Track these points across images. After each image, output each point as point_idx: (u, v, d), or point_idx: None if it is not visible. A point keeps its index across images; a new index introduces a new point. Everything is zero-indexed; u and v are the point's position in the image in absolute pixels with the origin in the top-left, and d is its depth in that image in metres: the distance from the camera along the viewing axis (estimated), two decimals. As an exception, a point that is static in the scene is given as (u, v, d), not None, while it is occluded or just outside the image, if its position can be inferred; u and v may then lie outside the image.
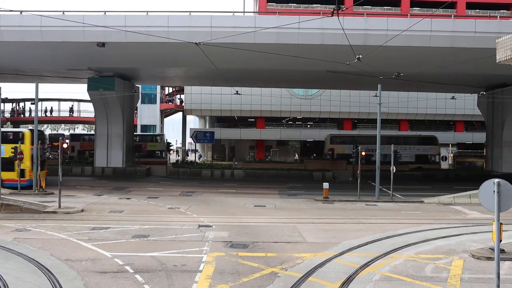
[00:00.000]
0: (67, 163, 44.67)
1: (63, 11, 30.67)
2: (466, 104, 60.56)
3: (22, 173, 29.99)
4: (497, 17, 31.68)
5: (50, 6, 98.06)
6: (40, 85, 32.81)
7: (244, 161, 55.50)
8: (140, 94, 54.03)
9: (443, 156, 55.81)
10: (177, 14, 31.51)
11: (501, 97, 43.37)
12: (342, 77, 37.67)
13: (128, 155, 45.80)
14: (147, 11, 30.71)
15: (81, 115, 74.41)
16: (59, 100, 73.43)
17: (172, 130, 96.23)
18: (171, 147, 58.69)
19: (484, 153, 51.82)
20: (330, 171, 45.29)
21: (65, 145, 27.32)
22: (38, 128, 31.57)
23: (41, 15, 29.09)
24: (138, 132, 64.31)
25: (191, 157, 67.83)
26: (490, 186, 10.37)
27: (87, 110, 72.51)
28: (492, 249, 13.21)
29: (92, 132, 61.91)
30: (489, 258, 14.28)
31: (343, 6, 21.35)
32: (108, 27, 28.50)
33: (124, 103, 44.52)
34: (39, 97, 32.37)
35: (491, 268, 12.74)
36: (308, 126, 70.89)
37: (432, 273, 13.20)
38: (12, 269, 12.87)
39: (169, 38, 27.80)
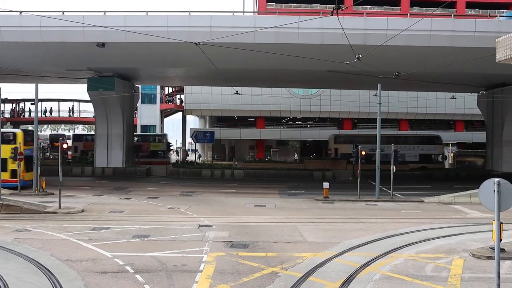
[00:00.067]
0: (67, 163, 44.67)
1: (63, 11, 30.67)
2: (466, 103, 60.54)
3: (14, 173, 29.89)
4: (496, 16, 31.66)
5: (49, 7, 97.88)
6: (40, 85, 32.81)
7: (244, 161, 55.52)
8: (140, 94, 54.04)
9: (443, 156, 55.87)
10: (176, 14, 31.51)
11: (501, 96, 43.36)
12: (342, 77, 37.67)
13: (128, 155, 45.79)
14: (147, 11, 30.72)
15: (81, 115, 74.44)
16: (59, 100, 73.45)
17: (172, 130, 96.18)
18: (171, 147, 58.70)
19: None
20: (330, 170, 45.31)
21: (65, 145, 27.31)
22: (30, 129, 31.57)
23: (40, 16, 29.09)
24: (138, 132, 64.35)
25: (191, 157, 67.85)
26: (490, 185, 10.37)
27: (87, 110, 72.55)
28: (492, 248, 13.21)
29: (93, 132, 61.94)
30: (490, 257, 14.28)
31: (342, 5, 21.35)
32: (108, 27, 28.50)
33: (124, 103, 44.51)
34: (39, 97, 32.38)
35: (491, 267, 12.73)
36: (308, 125, 70.88)
37: (432, 273, 13.20)
38: (12, 269, 12.88)
39: (169, 38, 27.80)
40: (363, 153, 30.72)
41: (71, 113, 73.48)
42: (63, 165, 26.46)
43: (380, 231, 19.01)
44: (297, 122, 70.96)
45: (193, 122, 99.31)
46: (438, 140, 52.76)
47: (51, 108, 72.71)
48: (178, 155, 73.82)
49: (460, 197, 28.62)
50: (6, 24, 30.62)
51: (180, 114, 73.66)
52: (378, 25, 29.95)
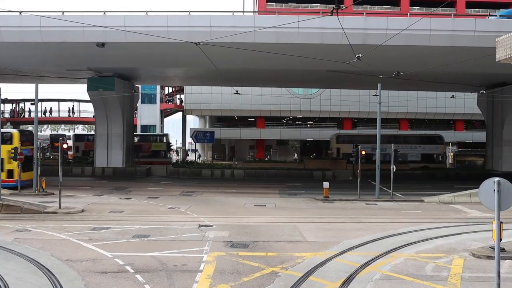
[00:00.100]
0: (67, 163, 44.68)
1: (63, 12, 30.66)
2: (466, 103, 60.54)
3: (10, 173, 29.82)
4: (496, 15, 31.65)
5: (49, 7, 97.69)
6: (39, 85, 32.82)
7: (244, 160, 55.53)
8: (140, 94, 54.05)
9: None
10: (176, 14, 31.50)
11: (501, 96, 43.35)
12: (342, 77, 37.65)
13: (128, 155, 45.79)
14: (147, 11, 30.71)
15: (81, 115, 74.45)
16: (59, 100, 73.46)
17: (172, 130, 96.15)
18: (171, 147, 58.77)
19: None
20: (330, 170, 45.30)
21: (65, 146, 27.32)
22: (27, 129, 31.55)
23: (40, 16, 29.09)
24: (138, 132, 64.37)
25: (191, 157, 67.86)
26: (490, 185, 10.37)
27: (87, 110, 72.56)
28: (493, 248, 13.21)
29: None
30: (490, 257, 14.29)
31: (342, 5, 21.39)
32: (107, 27, 28.50)
33: (124, 103, 44.51)
34: (39, 97, 32.38)
35: (491, 267, 12.73)
36: (308, 125, 70.88)
37: (432, 272, 13.20)
38: (12, 269, 12.88)
39: (169, 38, 27.79)
40: (363, 152, 30.72)
41: (71, 113, 73.48)
42: (63, 165, 26.47)
43: (380, 230, 19.01)
44: (297, 122, 70.96)
45: (193, 122, 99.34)
46: (440, 140, 52.82)
47: (50, 108, 72.75)
48: (178, 155, 73.86)
49: (460, 197, 28.62)
50: (6, 24, 30.61)
51: (180, 114, 73.65)
52: (378, 25, 29.93)
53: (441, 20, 31.65)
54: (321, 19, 29.51)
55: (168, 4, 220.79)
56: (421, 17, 31.21)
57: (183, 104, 67.17)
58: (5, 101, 61.91)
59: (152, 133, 64.27)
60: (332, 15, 19.11)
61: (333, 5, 18.22)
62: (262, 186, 36.62)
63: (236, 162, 53.66)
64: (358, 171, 29.89)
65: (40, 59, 36.23)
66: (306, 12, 49.01)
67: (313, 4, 54.99)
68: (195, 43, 22.91)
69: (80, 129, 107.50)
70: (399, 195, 30.60)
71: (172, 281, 12.10)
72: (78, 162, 48.31)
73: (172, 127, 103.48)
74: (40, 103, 52.02)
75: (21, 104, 72.91)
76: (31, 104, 64.06)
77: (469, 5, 56.51)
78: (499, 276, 10.29)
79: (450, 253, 15.33)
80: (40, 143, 40.49)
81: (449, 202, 28.25)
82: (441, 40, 29.93)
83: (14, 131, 32.23)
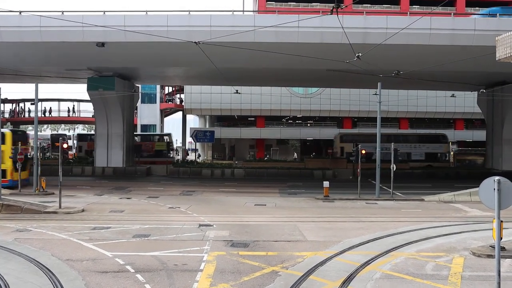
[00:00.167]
0: (67, 163, 44.71)
1: (62, 11, 30.66)
2: (466, 102, 60.59)
3: (3, 173, 29.76)
4: (496, 14, 31.65)
5: (49, 6, 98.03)
6: (39, 85, 32.81)
7: (244, 160, 55.54)
8: (140, 94, 54.08)
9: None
10: (176, 14, 31.52)
11: (501, 94, 43.36)
12: (341, 76, 37.67)
13: (128, 155, 45.80)
14: (147, 11, 30.74)
15: (81, 115, 74.47)
16: (59, 100, 73.48)
17: (172, 130, 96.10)
18: (171, 147, 58.83)
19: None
20: (331, 169, 45.31)
21: (65, 145, 27.32)
22: (20, 129, 31.49)
23: (40, 15, 29.09)
24: (138, 131, 64.39)
25: (191, 156, 67.88)
26: (490, 184, 10.37)
27: (87, 110, 72.61)
28: (493, 247, 13.21)
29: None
30: (490, 256, 14.28)
31: (342, 4, 21.34)
32: (107, 27, 28.50)
33: (124, 102, 44.52)
34: (39, 97, 32.37)
35: (491, 266, 12.73)
36: (308, 124, 70.91)
37: (432, 271, 13.20)
38: (13, 269, 12.88)
39: (169, 37, 27.80)
40: (363, 151, 30.72)
41: (71, 113, 73.51)
42: (63, 165, 26.46)
43: (380, 229, 19.01)
44: (297, 121, 70.99)
45: (193, 121, 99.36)
46: (444, 139, 52.91)
47: (50, 108, 72.77)
48: (178, 155, 73.96)
49: (460, 196, 28.62)
50: (6, 24, 30.62)
51: (180, 113, 73.67)
52: (378, 24, 29.94)
53: (441, 19, 31.67)
54: (321, 18, 29.51)
55: (168, 3, 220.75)
56: (421, 16, 31.22)
57: (183, 103, 67.19)
58: (5, 101, 61.93)
59: (155, 133, 64.34)
60: (332, 14, 19.08)
61: (333, 4, 18.22)
62: (262, 186, 36.62)
63: (236, 162, 53.68)
64: (358, 170, 29.89)
65: (40, 59, 36.23)
66: (306, 11, 48.96)
67: (313, 3, 54.99)
68: (195, 42, 22.91)
69: (80, 129, 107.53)
70: (400, 194, 30.60)
71: (172, 281, 12.10)
72: (78, 162, 48.34)
73: (172, 126, 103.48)
74: (40, 103, 52.04)
75: (21, 104, 72.93)
76: (31, 104, 64.08)
77: (469, 4, 56.50)
78: (499, 275, 10.29)
79: (451, 252, 15.33)
80: (40, 143, 40.46)
81: (449, 201, 28.25)
82: (441, 39, 29.94)
83: (7, 131, 32.11)
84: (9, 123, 66.87)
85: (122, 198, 28.36)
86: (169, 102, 71.98)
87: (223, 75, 37.69)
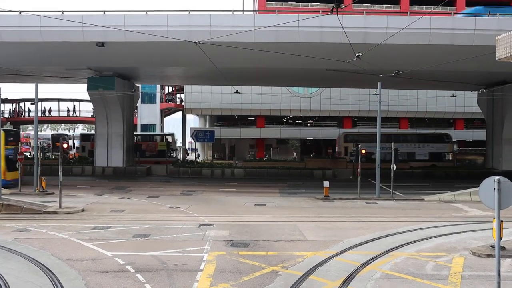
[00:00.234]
0: (68, 163, 44.72)
1: (63, 11, 30.64)
2: (466, 101, 60.57)
3: None
4: (496, 14, 31.64)
5: (49, 6, 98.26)
6: (39, 85, 32.81)
7: (244, 160, 55.53)
8: (140, 94, 54.08)
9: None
10: (176, 13, 31.49)
11: (501, 94, 43.36)
12: (341, 76, 37.65)
13: (128, 155, 45.80)
14: (146, 11, 30.71)
15: (81, 115, 74.49)
16: (59, 100, 73.52)
17: (172, 129, 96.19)
18: (171, 147, 58.88)
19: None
20: (331, 169, 45.29)
21: (65, 145, 27.33)
22: (13, 129, 31.42)
23: (40, 15, 29.08)
24: (138, 131, 64.39)
25: (191, 156, 67.88)
26: (490, 183, 10.37)
27: (87, 110, 72.65)
28: (493, 247, 13.22)
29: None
30: (490, 256, 14.29)
31: (342, 4, 21.37)
32: (107, 27, 28.49)
33: (124, 102, 44.52)
34: (39, 97, 32.37)
35: (491, 266, 12.74)
36: (308, 124, 70.90)
37: (432, 271, 13.21)
38: (13, 269, 12.88)
39: (169, 37, 27.78)
40: (364, 151, 30.72)
41: (71, 113, 73.53)
42: (64, 164, 26.46)
43: (380, 229, 19.02)
44: (297, 121, 70.97)
45: (193, 121, 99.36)
46: (448, 139, 52.98)
47: (50, 108, 72.79)
48: (178, 154, 73.97)
49: (460, 196, 28.62)
50: (6, 24, 30.60)
51: (180, 113, 73.66)
52: (378, 24, 29.91)
53: (441, 18, 31.66)
54: (321, 18, 29.50)
55: (168, 3, 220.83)
56: (421, 15, 31.20)
57: (183, 103, 67.19)
58: (5, 101, 61.97)
59: (158, 133, 64.39)
60: (332, 13, 19.08)
61: (333, 4, 18.21)
62: (262, 185, 36.63)
63: (236, 162, 53.66)
64: (358, 170, 29.89)
65: (40, 58, 36.23)
66: (306, 11, 48.93)
67: (313, 3, 54.97)
68: (195, 42, 22.91)
69: (80, 129, 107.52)
70: (400, 194, 30.61)
71: (172, 280, 12.11)
72: (78, 161, 48.33)
73: (172, 126, 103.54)
74: (40, 102, 52.08)
75: (21, 104, 72.95)
76: (31, 104, 64.13)
77: (469, 4, 56.41)
78: (499, 274, 10.30)
79: (451, 252, 15.33)
80: (40, 143, 40.47)
81: (449, 201, 28.25)
82: (441, 39, 29.92)
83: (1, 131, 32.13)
84: (9, 123, 66.88)
85: (122, 198, 28.36)
86: (169, 102, 71.99)
87: (223, 75, 37.68)
